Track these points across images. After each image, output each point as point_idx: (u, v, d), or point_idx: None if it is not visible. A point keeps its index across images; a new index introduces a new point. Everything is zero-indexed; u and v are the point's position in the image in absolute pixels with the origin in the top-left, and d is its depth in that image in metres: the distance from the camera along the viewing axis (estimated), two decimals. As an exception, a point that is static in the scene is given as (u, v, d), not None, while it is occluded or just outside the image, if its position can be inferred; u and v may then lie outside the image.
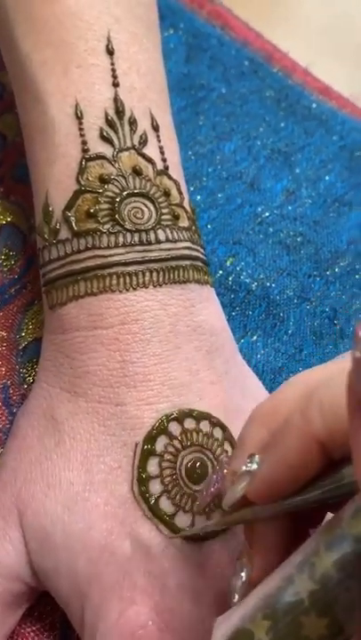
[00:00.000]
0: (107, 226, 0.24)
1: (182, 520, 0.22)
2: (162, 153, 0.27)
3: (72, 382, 0.24)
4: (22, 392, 0.28)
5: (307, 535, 0.20)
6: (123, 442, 0.23)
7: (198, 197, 0.35)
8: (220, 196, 0.35)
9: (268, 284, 0.32)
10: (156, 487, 0.22)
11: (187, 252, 0.25)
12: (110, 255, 0.24)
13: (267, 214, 0.35)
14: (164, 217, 0.25)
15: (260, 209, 0.35)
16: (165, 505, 0.22)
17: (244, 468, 0.19)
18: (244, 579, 0.19)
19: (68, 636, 0.23)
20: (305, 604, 0.16)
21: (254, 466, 0.19)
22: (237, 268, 0.33)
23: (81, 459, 0.22)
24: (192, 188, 0.35)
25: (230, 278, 0.32)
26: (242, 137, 0.38)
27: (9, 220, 0.32)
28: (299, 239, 0.34)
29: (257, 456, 0.19)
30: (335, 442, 0.17)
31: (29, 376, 0.28)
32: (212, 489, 0.21)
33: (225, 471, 0.20)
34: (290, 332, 0.32)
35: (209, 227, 0.34)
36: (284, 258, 0.33)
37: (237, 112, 0.38)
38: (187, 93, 0.39)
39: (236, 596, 0.19)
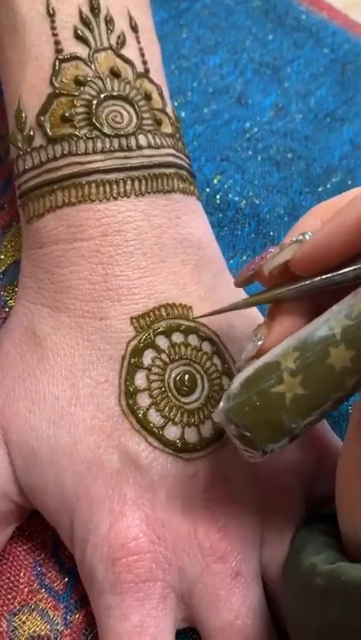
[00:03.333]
0: (83, 130, 0.23)
1: (171, 432, 0.21)
2: (142, 55, 0.25)
3: (53, 297, 0.23)
4: (4, 316, 0.27)
5: None
6: (109, 356, 0.22)
7: (183, 113, 0.33)
8: (205, 111, 0.33)
9: (258, 202, 0.31)
10: (144, 400, 0.22)
11: (171, 159, 0.24)
12: (88, 162, 0.22)
13: (255, 130, 0.33)
14: (145, 121, 0.24)
15: (248, 124, 0.33)
16: (154, 417, 0.21)
17: (294, 239, 0.20)
18: (257, 343, 0.20)
19: (59, 554, 0.23)
20: (336, 337, 0.17)
21: (306, 236, 0.19)
22: (225, 186, 0.31)
23: (65, 373, 0.22)
24: (176, 104, 0.33)
25: (218, 196, 0.31)
26: (228, 50, 0.35)
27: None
28: (289, 155, 0.33)
29: (309, 232, 0.20)
30: None
31: (10, 299, 0.27)
32: (255, 263, 0.21)
33: (270, 249, 0.20)
34: (280, 250, 0.30)
35: (195, 143, 0.32)
36: (274, 174, 0.32)
37: (223, 24, 0.36)
38: (169, 5, 0.36)
39: (244, 355, 0.20)
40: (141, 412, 0.21)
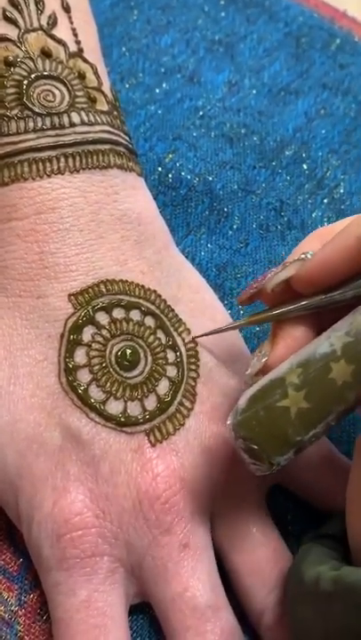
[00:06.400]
0: (14, 111, 0.23)
1: (113, 406, 0.21)
2: (75, 35, 0.25)
3: (-9, 278, 0.22)
4: None
5: None
6: (47, 334, 0.22)
7: (135, 95, 0.33)
8: (157, 91, 0.33)
9: (211, 179, 0.31)
10: (84, 376, 0.21)
11: (106, 135, 0.24)
12: (20, 141, 0.22)
13: (208, 107, 0.33)
14: (78, 100, 0.24)
15: (201, 102, 0.33)
16: (95, 393, 0.21)
17: (296, 257, 0.20)
18: (262, 359, 0.20)
19: (14, 537, 0.23)
20: (337, 353, 0.18)
21: (308, 255, 0.20)
22: (178, 164, 0.31)
23: (4, 354, 0.22)
24: (128, 85, 0.33)
25: (170, 175, 0.31)
26: (179, 29, 0.35)
27: None
28: (242, 130, 0.32)
29: (311, 251, 0.20)
30: None
31: None
32: (257, 282, 0.21)
33: (273, 269, 0.21)
34: (235, 226, 0.30)
35: (147, 124, 0.32)
36: (227, 151, 0.32)
37: (173, 4, 0.36)
38: (119, -12, 0.36)
39: (250, 370, 0.20)
40: (82, 388, 0.21)
